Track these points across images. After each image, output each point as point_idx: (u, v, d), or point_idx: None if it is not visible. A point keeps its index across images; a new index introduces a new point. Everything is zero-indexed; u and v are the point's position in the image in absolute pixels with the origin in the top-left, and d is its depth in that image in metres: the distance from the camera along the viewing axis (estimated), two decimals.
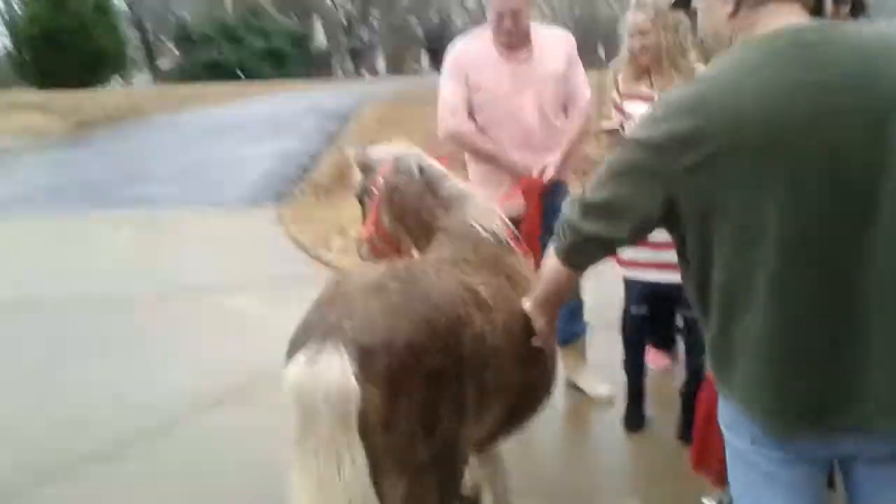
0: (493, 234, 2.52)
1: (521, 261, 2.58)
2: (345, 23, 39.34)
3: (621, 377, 3.61)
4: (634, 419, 3.53)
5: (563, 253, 1.70)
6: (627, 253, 3.23)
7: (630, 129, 3.34)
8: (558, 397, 3.89)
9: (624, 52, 3.40)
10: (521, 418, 2.44)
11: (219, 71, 30.27)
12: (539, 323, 1.99)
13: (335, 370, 1.77)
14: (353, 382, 1.77)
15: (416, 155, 2.71)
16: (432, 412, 1.93)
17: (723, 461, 2.21)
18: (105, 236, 7.97)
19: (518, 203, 3.34)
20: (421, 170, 2.66)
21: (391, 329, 1.89)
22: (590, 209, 1.60)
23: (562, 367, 3.88)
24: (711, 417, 2.46)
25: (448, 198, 2.61)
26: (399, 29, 40.52)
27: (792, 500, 1.61)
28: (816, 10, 1.54)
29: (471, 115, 3.51)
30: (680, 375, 3.62)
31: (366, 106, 16.04)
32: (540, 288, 1.92)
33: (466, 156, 3.71)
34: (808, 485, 1.62)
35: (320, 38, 37.95)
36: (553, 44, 3.59)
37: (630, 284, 3.46)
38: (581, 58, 3.65)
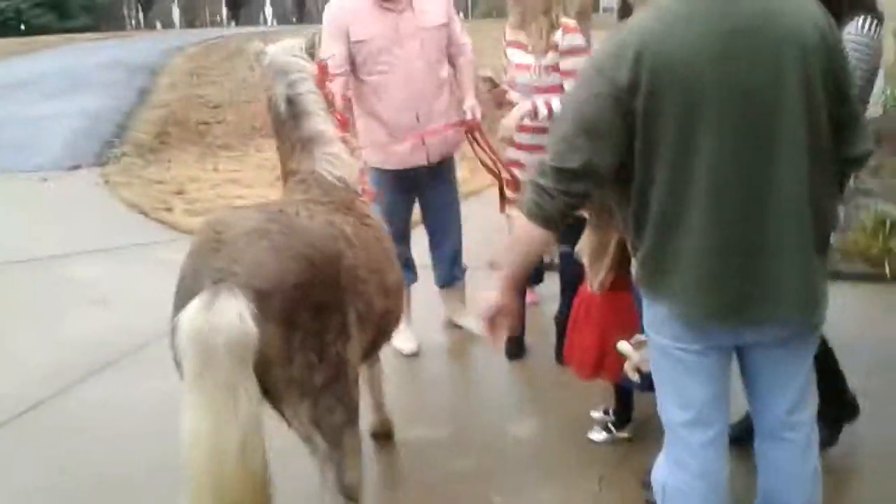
0: (342, 179, 2.67)
1: (368, 205, 2.82)
2: None
3: None
4: (516, 349, 3.83)
5: (538, 216, 1.86)
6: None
7: (509, 76, 3.58)
8: (440, 335, 4.15)
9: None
10: (382, 342, 2.74)
11: None
12: (507, 297, 2.01)
13: (233, 313, 1.88)
14: (251, 324, 1.90)
15: (291, 75, 2.69)
16: (323, 341, 2.12)
17: (590, 356, 2.62)
18: None
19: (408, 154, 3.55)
20: (288, 102, 2.68)
21: (282, 271, 2.05)
22: (563, 173, 1.80)
23: (443, 308, 4.15)
24: (577, 321, 2.92)
25: (305, 138, 2.68)
26: None
27: (707, 383, 1.96)
28: None
29: (354, 69, 3.58)
30: (550, 308, 3.95)
31: (173, 58, 15.26)
32: (513, 259, 2.02)
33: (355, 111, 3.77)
34: (719, 370, 1.97)
35: None
36: None
37: None
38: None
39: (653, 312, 1.95)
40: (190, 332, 1.87)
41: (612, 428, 3.11)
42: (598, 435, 3.13)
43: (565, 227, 1.94)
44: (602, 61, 1.78)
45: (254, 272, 1.98)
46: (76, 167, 8.66)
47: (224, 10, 36.71)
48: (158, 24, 34.82)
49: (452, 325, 4.15)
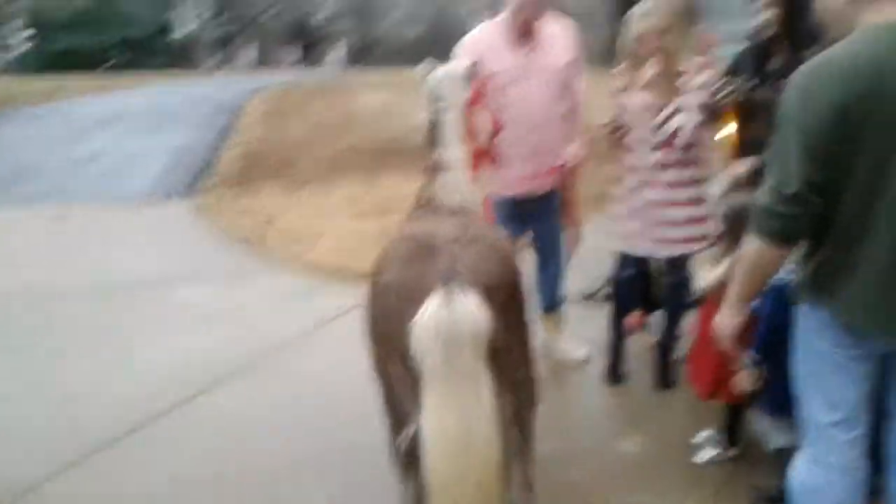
0: (461, 204, 2.80)
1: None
2: (206, 13, 38.26)
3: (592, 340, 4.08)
4: (615, 374, 3.98)
5: (770, 236, 2.04)
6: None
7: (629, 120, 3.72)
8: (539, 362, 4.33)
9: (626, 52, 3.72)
10: None
11: (74, 60, 28.72)
12: (735, 323, 2.29)
13: (472, 306, 2.08)
14: (486, 315, 2.09)
15: (437, 102, 2.89)
16: (523, 336, 2.36)
17: (712, 376, 2.77)
18: (16, 233, 7.69)
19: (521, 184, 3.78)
20: (431, 125, 2.89)
21: (496, 271, 2.28)
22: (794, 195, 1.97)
23: (541, 334, 4.33)
24: (706, 339, 2.98)
25: (435, 163, 2.86)
26: (259, 21, 39.86)
27: (858, 386, 2.15)
28: None
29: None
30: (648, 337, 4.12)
31: (251, 98, 15.91)
32: (741, 284, 2.23)
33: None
34: (868, 374, 2.14)
35: (183, 26, 36.75)
36: (560, 34, 3.97)
37: (623, 255, 3.89)
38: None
39: (813, 318, 2.13)
40: (436, 325, 2.05)
41: (719, 447, 3.22)
42: (705, 455, 3.25)
43: None
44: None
45: (476, 272, 2.18)
46: (168, 197, 9.13)
47: (295, 52, 37.90)
48: (235, 64, 36.05)
49: (548, 351, 4.31)
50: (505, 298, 2.23)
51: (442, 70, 2.99)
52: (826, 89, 1.89)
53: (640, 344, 4.16)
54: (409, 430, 2.27)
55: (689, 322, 3.72)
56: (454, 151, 2.88)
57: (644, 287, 3.98)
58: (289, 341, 4.81)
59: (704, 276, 3.14)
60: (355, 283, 5.74)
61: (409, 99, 17.31)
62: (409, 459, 2.32)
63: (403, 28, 58.06)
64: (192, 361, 4.52)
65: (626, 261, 3.86)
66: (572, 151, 3.95)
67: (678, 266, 3.77)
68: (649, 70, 3.62)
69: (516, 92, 3.78)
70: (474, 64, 3.05)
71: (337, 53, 40.12)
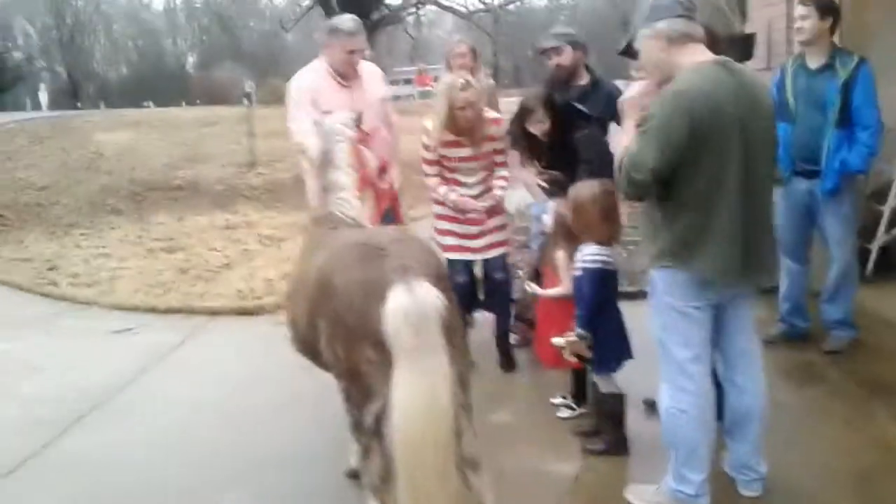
0: (354, 219, 3.30)
1: None
2: None
3: None
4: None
5: (626, 194, 2.84)
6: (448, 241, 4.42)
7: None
8: None
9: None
10: None
11: None
12: None
13: (432, 294, 2.49)
14: (442, 300, 2.52)
15: (330, 138, 3.43)
16: (457, 315, 2.80)
17: (552, 350, 3.49)
18: None
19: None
20: (323, 155, 3.41)
21: (435, 265, 2.79)
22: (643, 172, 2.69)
23: None
24: (541, 324, 3.83)
25: (327, 185, 3.36)
26: None
27: (704, 330, 2.88)
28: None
29: None
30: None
31: None
32: None
33: (306, 168, 4.42)
34: (709, 321, 2.90)
35: None
36: (373, 74, 4.63)
37: (450, 263, 4.45)
38: None
39: (671, 280, 2.82)
40: (404, 310, 2.41)
41: (573, 406, 3.93)
42: (564, 413, 3.93)
43: None
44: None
45: (423, 265, 2.60)
46: None
47: None
48: None
49: None
50: (444, 285, 2.70)
51: (334, 117, 3.56)
52: (680, 109, 2.65)
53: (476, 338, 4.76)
54: (376, 404, 2.64)
55: (532, 309, 4.39)
56: (343, 176, 3.37)
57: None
58: (130, 379, 4.79)
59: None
60: (171, 320, 5.89)
61: (151, 138, 16.90)
62: (376, 430, 2.69)
63: (107, 68, 55.44)
64: (38, 410, 4.36)
65: (454, 268, 4.38)
66: (395, 174, 4.50)
67: (497, 268, 4.46)
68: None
69: None
70: (360, 115, 3.60)
71: (40, 94, 37.40)
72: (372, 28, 30.18)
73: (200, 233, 8.93)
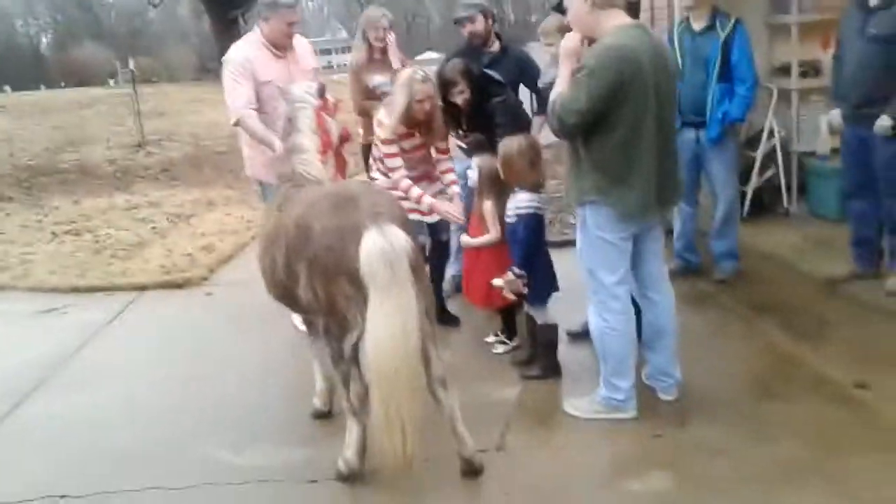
0: (317, 178, 3.56)
1: None
2: None
3: None
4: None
5: (558, 133, 3.25)
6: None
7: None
8: None
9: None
10: None
11: None
12: None
13: (401, 236, 2.86)
14: (409, 242, 2.90)
15: (297, 103, 3.69)
16: (420, 256, 3.16)
17: (484, 291, 3.93)
18: None
19: None
20: (287, 120, 3.68)
21: (400, 214, 3.14)
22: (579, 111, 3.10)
23: None
24: (469, 270, 4.25)
25: (290, 147, 3.63)
26: None
27: (626, 257, 3.36)
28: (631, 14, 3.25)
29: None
30: None
31: None
32: None
33: (245, 139, 4.64)
34: (629, 248, 3.37)
35: None
36: (304, 46, 4.85)
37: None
38: None
39: (600, 216, 3.26)
40: (380, 250, 2.76)
41: (506, 341, 4.37)
42: (499, 348, 4.36)
43: None
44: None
45: (390, 212, 2.95)
46: None
47: None
48: None
49: None
50: (409, 230, 3.05)
51: (298, 85, 3.83)
52: (610, 63, 3.08)
53: None
54: (353, 334, 2.99)
55: (460, 257, 4.77)
56: (307, 139, 3.64)
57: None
58: (70, 354, 4.87)
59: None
60: (96, 298, 5.96)
61: (26, 123, 16.22)
62: (353, 357, 3.06)
63: None
64: None
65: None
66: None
67: (442, 229, 4.79)
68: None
69: None
70: (322, 86, 3.84)
71: None
72: (244, 2, 29.67)
73: (101, 214, 8.84)
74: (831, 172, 5.70)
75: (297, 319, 4.76)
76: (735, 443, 3.25)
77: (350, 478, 3.18)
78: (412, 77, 4.25)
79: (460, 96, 4.56)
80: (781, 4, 6.12)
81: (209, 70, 31.85)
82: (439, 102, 4.42)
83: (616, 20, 3.20)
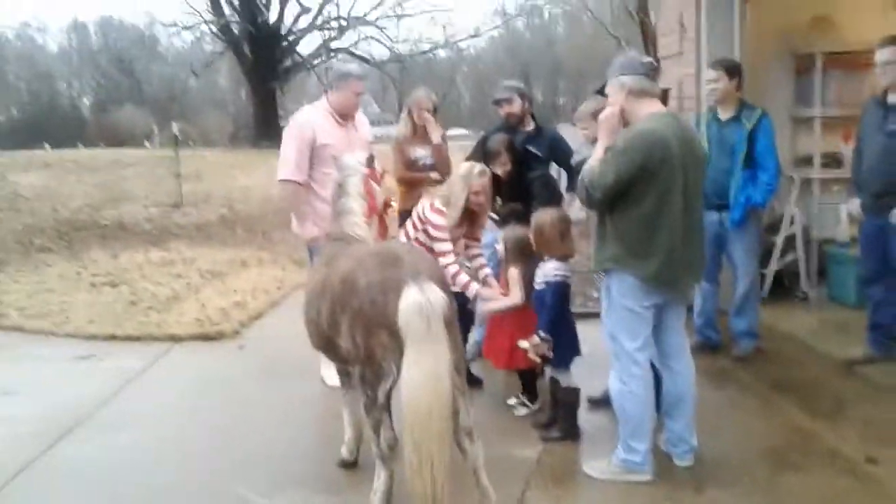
0: (363, 238, 3.86)
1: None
2: None
3: None
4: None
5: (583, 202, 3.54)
6: None
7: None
8: None
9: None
10: None
11: None
12: None
13: (439, 293, 3.07)
14: (445, 298, 3.10)
15: (347, 171, 3.98)
16: (455, 314, 3.33)
17: (507, 352, 4.09)
18: None
19: None
20: (338, 186, 3.98)
21: (439, 273, 3.39)
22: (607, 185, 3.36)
23: None
24: (492, 333, 4.45)
25: (340, 210, 3.92)
26: None
27: (648, 325, 3.54)
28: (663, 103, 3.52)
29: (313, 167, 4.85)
30: None
31: None
32: None
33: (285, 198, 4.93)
34: (652, 318, 3.55)
35: None
36: (362, 118, 5.22)
37: None
38: None
39: (623, 283, 3.47)
40: (418, 305, 2.97)
41: (528, 404, 4.52)
42: (521, 411, 4.51)
43: None
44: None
45: (430, 272, 3.18)
46: None
47: None
48: None
49: None
50: (446, 288, 3.26)
51: (351, 155, 4.11)
52: (640, 146, 3.34)
53: None
54: (387, 383, 3.19)
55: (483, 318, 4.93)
56: (355, 203, 3.92)
57: None
58: (106, 398, 5.03)
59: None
60: (132, 347, 6.18)
61: (69, 180, 16.81)
62: (386, 406, 3.25)
63: None
64: (20, 428, 4.57)
65: None
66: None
67: (464, 296, 4.96)
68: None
69: None
70: (372, 157, 4.13)
71: None
72: (283, 75, 30.86)
73: (138, 268, 9.13)
74: (850, 259, 5.90)
75: (325, 374, 4.96)
76: None
77: None
78: (471, 170, 4.48)
79: (502, 168, 4.82)
80: (805, 99, 6.40)
81: (242, 137, 33.00)
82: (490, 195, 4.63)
83: (650, 108, 3.48)
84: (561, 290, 4.02)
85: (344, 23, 31.22)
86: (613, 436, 3.78)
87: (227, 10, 29.17)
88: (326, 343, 3.51)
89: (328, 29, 31.57)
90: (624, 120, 3.52)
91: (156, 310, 7.21)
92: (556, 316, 4.00)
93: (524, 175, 4.89)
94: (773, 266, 6.27)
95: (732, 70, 5.04)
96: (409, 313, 3.01)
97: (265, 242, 11.01)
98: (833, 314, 5.99)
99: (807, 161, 6.37)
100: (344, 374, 3.89)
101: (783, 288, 6.37)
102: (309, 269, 3.96)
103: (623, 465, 3.64)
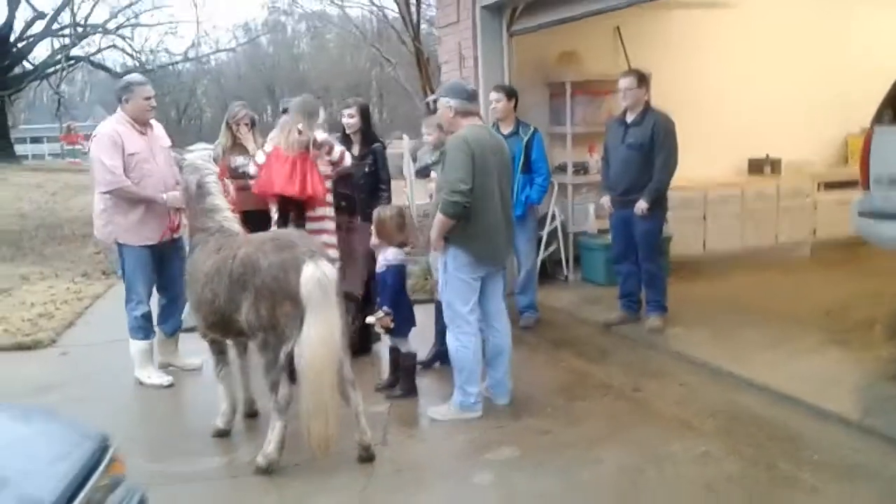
0: (237, 231, 4.46)
1: None
2: None
3: None
4: None
5: (452, 216, 4.30)
6: None
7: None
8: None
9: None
10: None
11: None
12: (439, 245, 4.49)
13: (332, 269, 3.87)
14: (336, 272, 3.90)
15: (202, 171, 4.51)
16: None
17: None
18: None
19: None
20: (198, 185, 4.48)
21: (325, 251, 4.16)
22: (462, 191, 4.22)
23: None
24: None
25: (208, 208, 4.45)
26: None
27: (476, 293, 4.52)
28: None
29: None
30: None
31: None
32: (436, 233, 4.42)
33: (115, 204, 5.29)
34: (479, 287, 4.54)
35: None
36: (158, 126, 5.63)
37: None
38: None
39: (458, 260, 4.41)
40: (315, 277, 3.70)
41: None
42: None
43: None
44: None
45: (321, 251, 3.94)
46: None
47: None
48: None
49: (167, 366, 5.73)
50: (334, 264, 4.03)
51: (194, 154, 4.64)
52: (467, 149, 4.30)
53: None
54: (288, 346, 3.86)
55: None
56: (220, 200, 4.51)
57: None
58: None
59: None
60: None
61: None
62: (284, 366, 3.92)
63: None
64: None
65: None
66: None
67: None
68: None
69: (150, 165, 5.29)
70: (216, 148, 4.69)
71: None
72: (13, 83, 28.51)
73: None
74: (598, 247, 7.38)
75: (140, 374, 5.50)
76: (555, 426, 4.47)
77: (269, 471, 3.96)
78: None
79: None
80: (558, 119, 7.85)
81: None
82: None
83: (471, 121, 4.50)
84: (399, 272, 4.91)
85: (80, 30, 29.56)
86: (441, 394, 4.80)
87: None
88: (221, 320, 4.11)
89: (63, 36, 29.67)
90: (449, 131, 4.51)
91: None
92: (396, 294, 4.86)
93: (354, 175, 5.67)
94: (541, 255, 7.60)
95: (511, 93, 6.23)
96: (309, 285, 3.75)
97: (38, 258, 10.71)
98: (588, 291, 7.44)
99: (562, 169, 7.79)
100: (219, 353, 4.49)
101: (547, 273, 7.73)
102: (191, 261, 4.44)
103: (460, 406, 4.59)
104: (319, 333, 3.75)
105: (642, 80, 5.90)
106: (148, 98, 5.37)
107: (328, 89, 44.79)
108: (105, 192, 5.26)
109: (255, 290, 3.87)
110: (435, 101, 4.69)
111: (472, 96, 4.56)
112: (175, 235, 5.49)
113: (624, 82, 5.92)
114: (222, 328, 4.21)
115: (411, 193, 10.34)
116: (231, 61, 51.50)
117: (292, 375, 4.05)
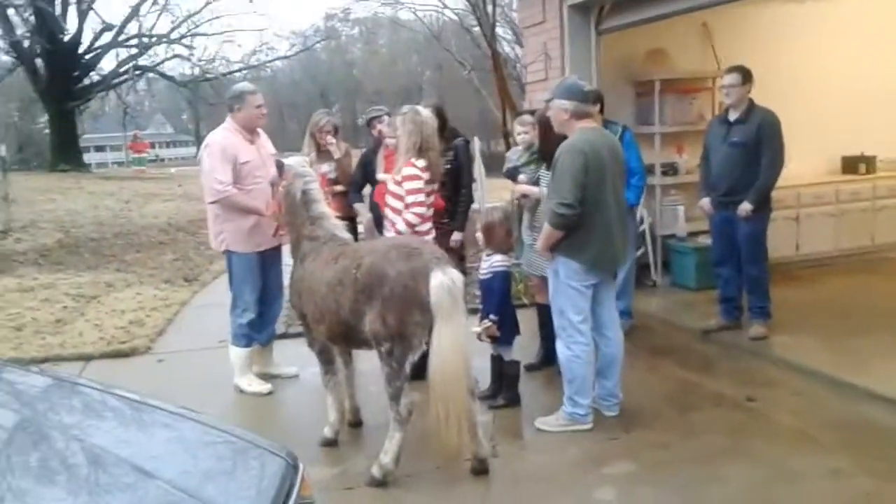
0: (346, 238, 4.45)
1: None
2: None
3: None
4: None
5: (557, 227, 4.22)
6: None
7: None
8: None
9: None
10: None
11: None
12: (547, 255, 4.45)
13: (459, 275, 3.79)
14: (462, 281, 3.82)
15: (306, 178, 4.44)
16: None
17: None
18: None
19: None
20: (303, 193, 4.41)
21: (448, 257, 4.05)
22: (570, 204, 4.13)
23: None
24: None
25: (316, 216, 4.40)
26: None
27: (588, 301, 4.39)
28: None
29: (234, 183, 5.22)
30: None
31: None
32: (544, 242, 4.37)
33: (226, 212, 5.31)
34: (591, 296, 4.42)
35: None
36: (263, 134, 5.61)
37: None
38: None
39: (568, 267, 4.30)
40: (447, 287, 3.65)
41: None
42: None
43: None
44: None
45: (445, 258, 3.86)
46: None
47: None
48: None
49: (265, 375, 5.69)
50: (461, 272, 3.99)
51: (294, 159, 4.60)
52: (579, 156, 4.19)
53: None
54: (415, 355, 3.82)
55: None
56: (325, 207, 4.47)
57: None
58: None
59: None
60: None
61: None
62: (407, 376, 3.85)
63: None
64: None
65: None
66: None
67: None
68: None
69: (263, 172, 5.26)
70: (309, 154, 4.66)
71: None
72: (82, 94, 29.26)
73: None
74: (690, 250, 7.18)
75: (240, 382, 5.51)
76: (672, 439, 4.32)
77: (383, 482, 3.90)
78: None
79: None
80: (645, 118, 7.67)
81: (29, 159, 30.75)
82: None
83: (585, 124, 4.37)
84: (506, 278, 4.81)
85: (146, 40, 30.17)
86: (543, 401, 4.71)
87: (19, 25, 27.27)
88: (344, 329, 4.05)
89: (130, 46, 30.33)
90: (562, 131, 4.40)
91: (48, 333, 7.17)
92: (503, 301, 4.77)
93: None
94: None
95: (597, 98, 6.08)
96: (440, 293, 3.70)
97: (121, 265, 10.90)
98: (679, 296, 7.26)
99: (649, 170, 7.60)
100: (327, 363, 4.44)
101: (635, 278, 7.55)
102: (303, 271, 4.38)
103: (570, 417, 4.48)
104: (451, 341, 3.70)
105: (747, 76, 5.71)
106: (259, 106, 5.38)
107: (380, 93, 45.09)
108: (212, 202, 5.29)
109: (383, 300, 3.81)
110: (549, 100, 4.58)
111: (588, 97, 4.43)
112: (279, 243, 5.45)
113: (728, 79, 5.74)
114: (345, 338, 4.17)
115: (482, 195, 10.25)
116: (286, 68, 52.17)
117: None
